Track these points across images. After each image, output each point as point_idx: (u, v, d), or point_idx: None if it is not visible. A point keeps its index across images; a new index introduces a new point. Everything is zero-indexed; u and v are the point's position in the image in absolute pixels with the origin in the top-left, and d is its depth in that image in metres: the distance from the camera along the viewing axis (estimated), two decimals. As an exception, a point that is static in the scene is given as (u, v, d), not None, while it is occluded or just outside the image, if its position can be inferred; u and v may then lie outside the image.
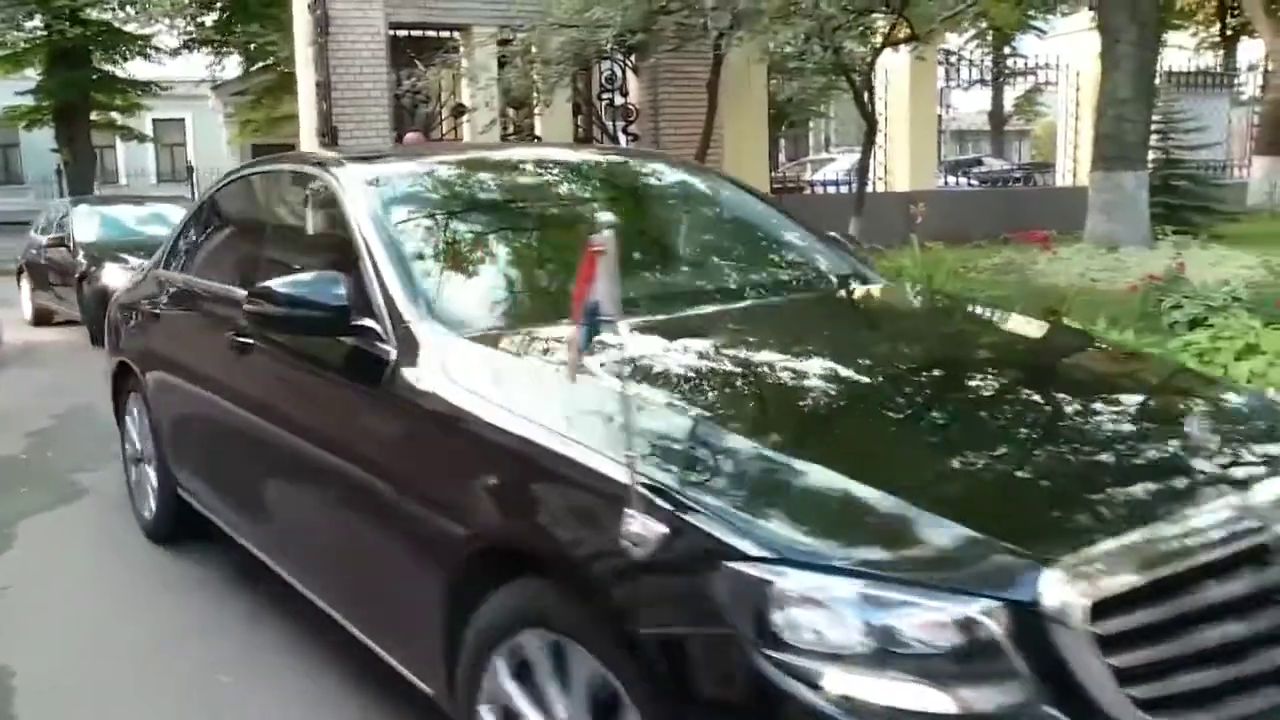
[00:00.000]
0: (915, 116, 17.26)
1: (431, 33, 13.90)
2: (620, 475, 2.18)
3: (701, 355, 3.08)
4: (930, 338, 3.63)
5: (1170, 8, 19.94)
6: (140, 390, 5.23)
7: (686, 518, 2.12)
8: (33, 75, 27.36)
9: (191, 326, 4.75)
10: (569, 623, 2.35)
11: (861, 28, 11.31)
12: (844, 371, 3.02)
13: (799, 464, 2.29)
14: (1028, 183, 25.12)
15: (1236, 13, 28.40)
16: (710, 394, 2.83)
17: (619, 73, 14.43)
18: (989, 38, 29.82)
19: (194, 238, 5.20)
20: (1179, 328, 6.76)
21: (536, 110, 13.78)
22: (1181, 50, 23.74)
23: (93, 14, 24.61)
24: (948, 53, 19.08)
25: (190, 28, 28.16)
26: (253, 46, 27.36)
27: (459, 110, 13.87)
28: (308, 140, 13.60)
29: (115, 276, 11.28)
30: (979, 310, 4.24)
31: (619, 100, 14.66)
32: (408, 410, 3.01)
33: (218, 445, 4.41)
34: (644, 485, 2.15)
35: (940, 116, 19.27)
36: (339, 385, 3.43)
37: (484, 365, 2.98)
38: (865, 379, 3.01)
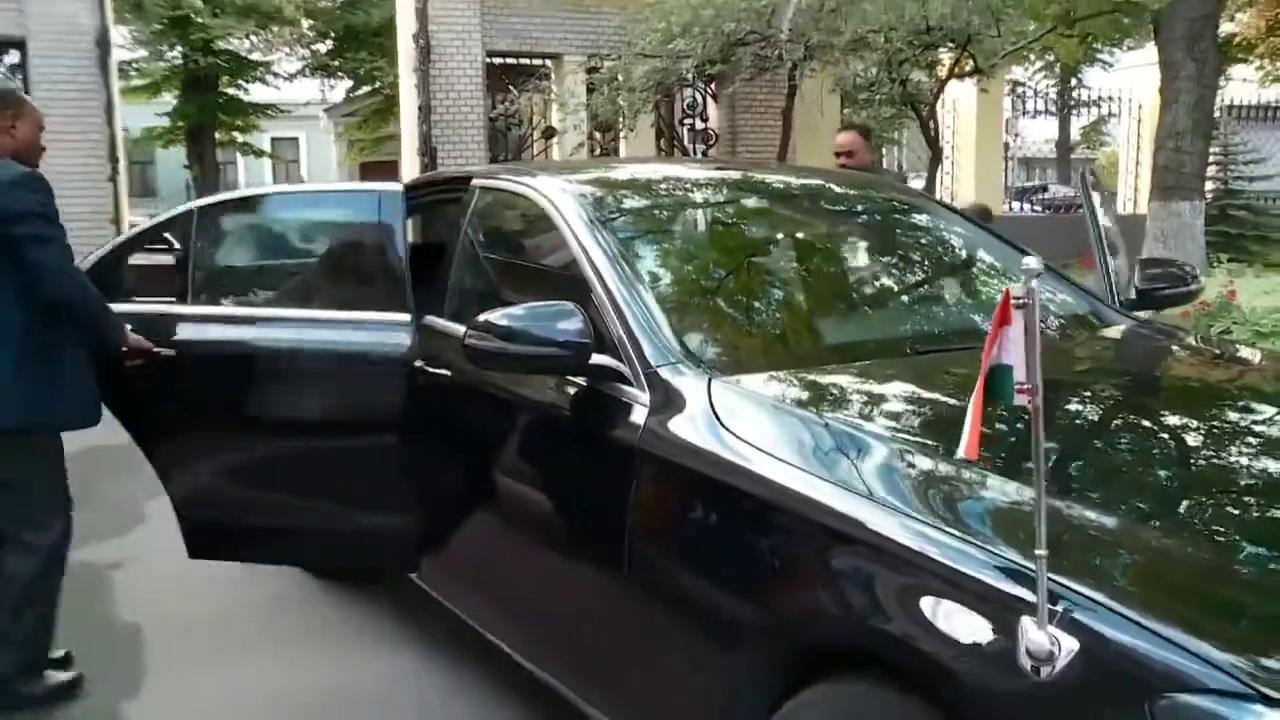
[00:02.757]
0: (981, 144, 17.15)
1: (525, 60, 14.07)
2: (994, 576, 1.77)
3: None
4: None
5: (1231, 42, 19.54)
6: None
7: (1108, 631, 1.63)
8: (169, 100, 28.34)
9: None
10: None
11: (928, 61, 11.28)
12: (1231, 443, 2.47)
13: (1231, 564, 1.82)
14: (1092, 210, 24.66)
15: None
16: (1084, 466, 2.32)
17: (700, 99, 14.52)
18: (1056, 69, 29.44)
19: None
20: (1226, 353, 6.66)
21: (622, 134, 13.92)
22: (1246, 84, 23.19)
23: (222, 44, 25.33)
24: (1016, 83, 18.93)
25: (306, 54, 28.89)
26: (361, 71, 27.92)
27: (549, 133, 14.05)
28: (409, 160, 13.87)
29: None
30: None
31: (699, 125, 14.76)
32: (670, 470, 2.47)
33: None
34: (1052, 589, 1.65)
35: (1007, 144, 19.09)
36: (564, 432, 2.91)
37: (780, 422, 2.40)
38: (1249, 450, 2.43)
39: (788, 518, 2.15)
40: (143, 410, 3.92)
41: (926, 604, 1.86)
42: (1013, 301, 1.63)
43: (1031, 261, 1.64)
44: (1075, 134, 36.23)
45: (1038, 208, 23.93)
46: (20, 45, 12.08)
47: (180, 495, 3.96)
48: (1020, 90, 19.28)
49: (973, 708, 1.77)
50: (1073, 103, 26.63)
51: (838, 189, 4.08)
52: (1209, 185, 13.06)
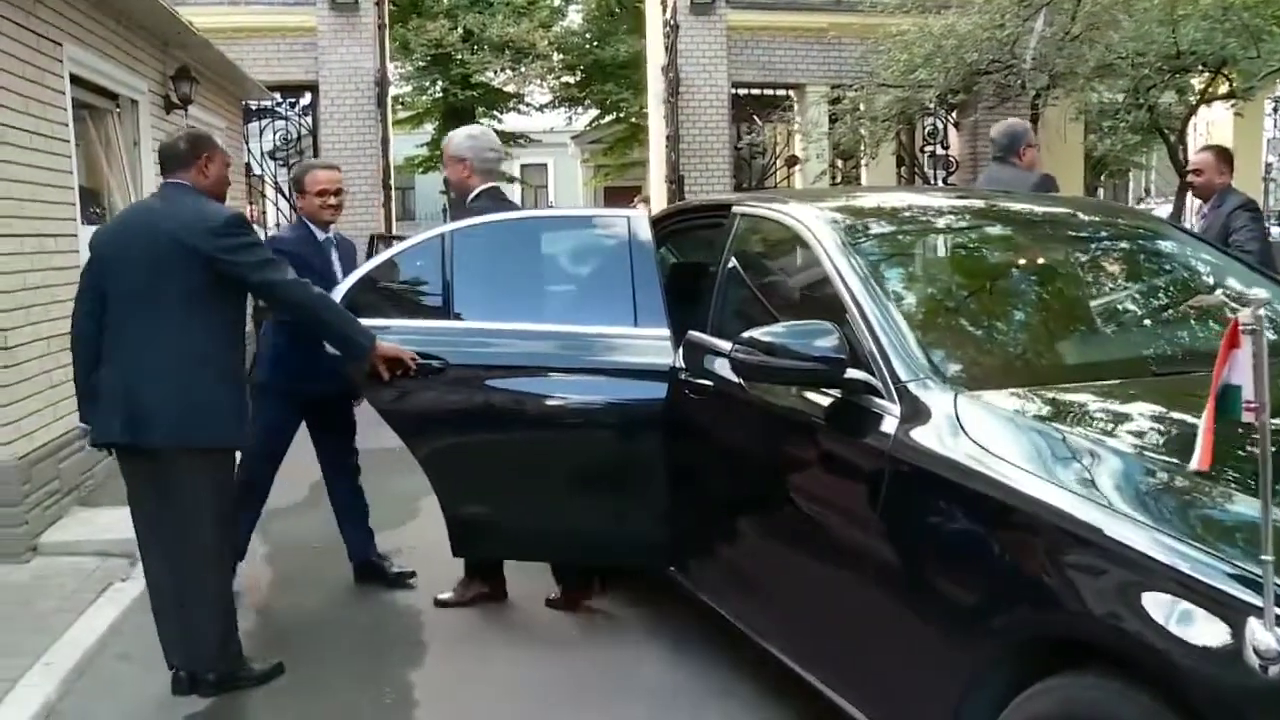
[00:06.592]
0: (1237, 169, 16.34)
1: (769, 91, 14.39)
2: (1222, 580, 1.89)
3: None
4: None
5: None
6: None
7: None
8: (429, 130, 30.10)
9: None
10: None
11: (1179, 85, 10.94)
12: None
13: None
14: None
15: None
16: None
17: (941, 127, 14.49)
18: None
19: None
20: None
21: (863, 162, 14.03)
22: None
23: (479, 78, 26.68)
24: (1281, 102, 17.97)
25: (556, 86, 30.14)
26: (607, 102, 28.92)
27: (792, 161, 14.30)
28: (656, 186, 14.39)
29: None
30: None
31: (940, 152, 14.72)
32: (917, 475, 2.64)
33: None
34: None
35: (1269, 166, 18.09)
36: (818, 438, 3.11)
37: (1019, 433, 2.54)
38: None
39: (1027, 521, 2.30)
40: (412, 417, 4.17)
41: (1157, 604, 1.98)
42: (1241, 327, 1.82)
43: (1260, 291, 1.82)
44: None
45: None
46: (313, 88, 13.28)
47: (446, 495, 4.24)
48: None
49: (1201, 702, 1.89)
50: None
51: (1077, 215, 4.16)
52: None
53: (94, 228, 5.28)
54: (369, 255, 11.10)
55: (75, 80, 6.45)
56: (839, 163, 14.30)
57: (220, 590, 3.87)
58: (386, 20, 13.99)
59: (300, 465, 5.02)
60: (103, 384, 3.74)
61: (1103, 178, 20.59)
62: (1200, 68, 10.28)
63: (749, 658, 3.68)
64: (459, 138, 4.83)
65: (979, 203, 4.30)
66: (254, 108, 13.34)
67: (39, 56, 5.78)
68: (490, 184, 4.78)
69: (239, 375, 3.87)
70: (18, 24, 5.48)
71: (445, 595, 4.72)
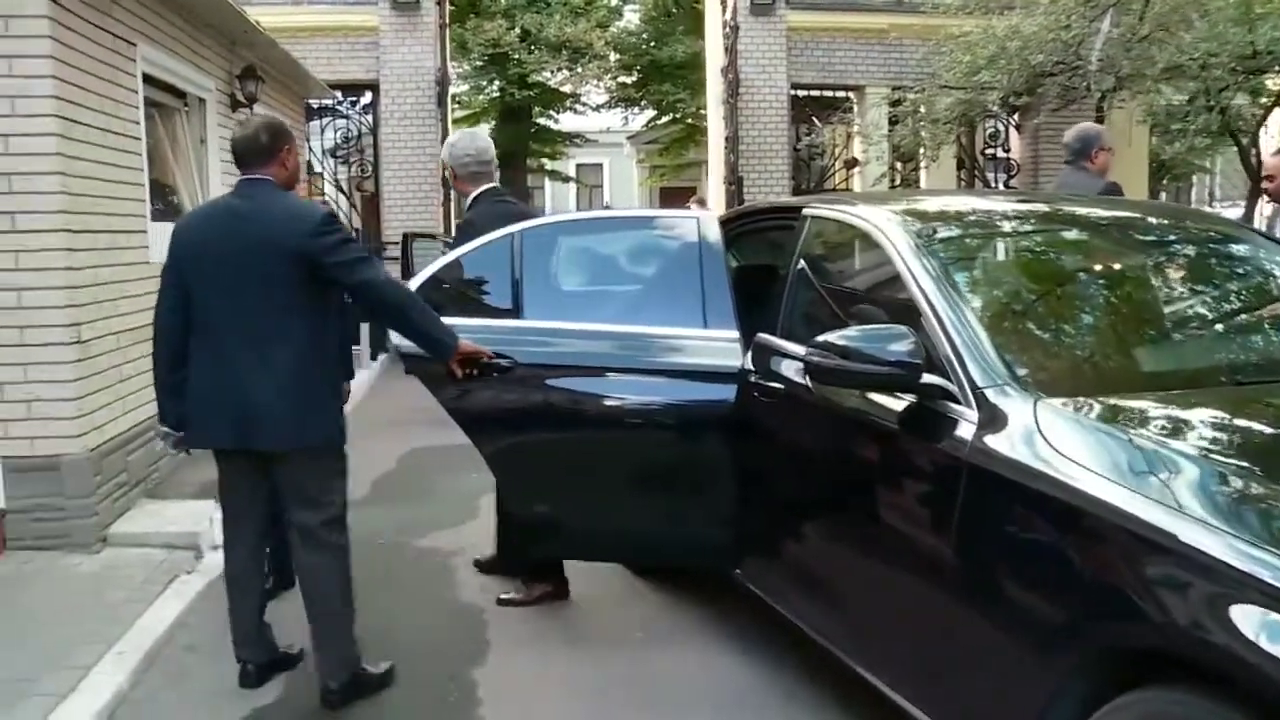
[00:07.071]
0: (1311, 173, 16.02)
1: (829, 93, 14.35)
2: None
3: None
4: None
5: None
6: None
7: None
8: (484, 129, 30.25)
9: None
10: None
11: (1252, 86, 10.73)
12: None
13: None
14: None
15: None
16: None
17: (1002, 130, 14.35)
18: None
19: None
20: None
21: (923, 164, 13.93)
22: None
23: (536, 78, 26.77)
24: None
25: (612, 86, 30.18)
26: (663, 102, 28.92)
27: (852, 163, 14.24)
28: (715, 187, 14.38)
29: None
30: None
31: (1001, 155, 14.58)
32: (995, 482, 2.60)
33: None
34: None
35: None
36: (890, 443, 3.10)
37: (1101, 441, 2.51)
38: None
39: (1110, 529, 2.25)
40: (479, 414, 4.17)
41: (1248, 618, 1.93)
42: None
43: None
44: None
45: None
46: (374, 87, 13.42)
47: (512, 494, 4.28)
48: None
49: None
50: None
51: (1152, 220, 4.12)
52: None
53: (162, 225, 5.32)
54: (403, 254, 11.28)
55: (147, 79, 6.55)
56: (899, 165, 14.21)
57: (350, 590, 3.88)
58: (447, 20, 14.09)
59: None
60: (198, 387, 3.70)
61: (1164, 181, 20.22)
62: (1277, 68, 10.06)
63: (812, 661, 3.67)
64: (444, 146, 4.88)
65: (1051, 206, 4.24)
66: (315, 106, 13.49)
67: (115, 56, 5.87)
68: (486, 186, 4.80)
69: (335, 375, 3.86)
70: (95, 25, 5.58)
71: (509, 594, 4.74)
